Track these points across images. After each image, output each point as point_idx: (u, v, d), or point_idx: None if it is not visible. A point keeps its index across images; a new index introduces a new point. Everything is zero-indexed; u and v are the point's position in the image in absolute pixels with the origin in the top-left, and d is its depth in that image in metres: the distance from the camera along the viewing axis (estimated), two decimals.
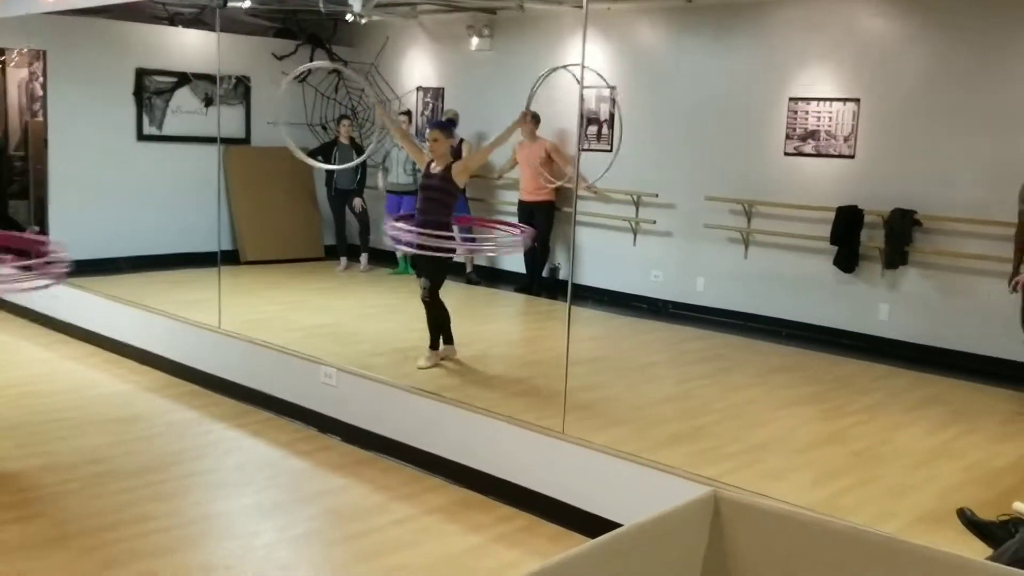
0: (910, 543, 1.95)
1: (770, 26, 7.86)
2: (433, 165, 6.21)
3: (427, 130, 6.53)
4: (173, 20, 10.11)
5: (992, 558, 2.48)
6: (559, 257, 9.15)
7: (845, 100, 7.42)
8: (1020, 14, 6.57)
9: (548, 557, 1.74)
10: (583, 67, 5.44)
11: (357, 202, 9.92)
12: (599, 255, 9.04)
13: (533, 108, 8.60)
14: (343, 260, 10.07)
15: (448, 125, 6.64)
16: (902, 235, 7.02)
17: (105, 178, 9.54)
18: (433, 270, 6.20)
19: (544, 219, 8.87)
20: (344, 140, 9.84)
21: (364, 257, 10.08)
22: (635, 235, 8.84)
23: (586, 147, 9.04)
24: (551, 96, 8.81)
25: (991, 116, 6.62)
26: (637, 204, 8.75)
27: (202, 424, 5.68)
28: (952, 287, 6.95)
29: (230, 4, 9.35)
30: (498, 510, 4.51)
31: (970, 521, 3.31)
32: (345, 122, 10.03)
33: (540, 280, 9.05)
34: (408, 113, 10.06)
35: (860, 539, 1.92)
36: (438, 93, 10.38)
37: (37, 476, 4.75)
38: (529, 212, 8.90)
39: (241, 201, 10.31)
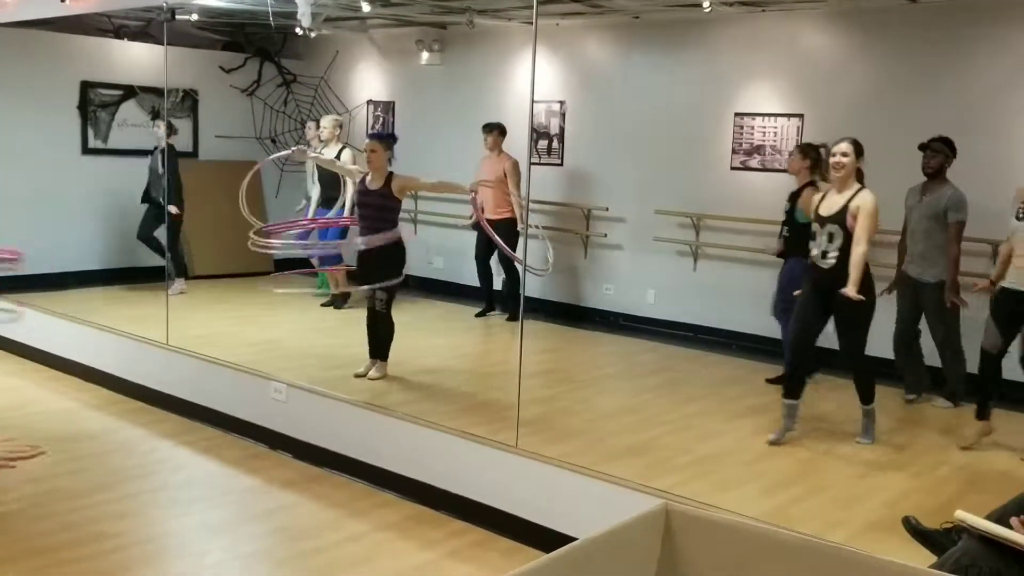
0: (858, 552, 1.98)
1: (716, 43, 7.96)
2: (369, 179, 6.17)
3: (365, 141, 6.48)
4: (119, 33, 10.00)
5: (935, 566, 2.52)
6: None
7: (789, 115, 7.54)
8: (957, 31, 6.72)
9: (501, 572, 1.75)
10: (533, 81, 5.45)
11: (172, 209, 8.63)
12: (551, 268, 9.06)
13: (497, 119, 8.49)
14: (178, 282, 8.98)
15: (387, 137, 6.58)
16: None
17: (49, 192, 9.40)
18: (385, 279, 6.16)
19: (506, 237, 8.42)
20: (161, 146, 8.91)
21: (179, 281, 9.07)
22: (586, 248, 8.89)
23: (536, 161, 9.06)
24: (501, 112, 8.85)
25: (931, 129, 6.74)
26: (588, 218, 8.80)
27: (150, 442, 5.60)
28: (890, 299, 7.05)
29: (178, 17, 9.27)
30: (451, 525, 4.50)
31: (915, 529, 3.37)
32: (159, 121, 9.10)
33: (514, 296, 8.40)
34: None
35: (809, 549, 1.94)
36: (388, 107, 10.37)
37: None
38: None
39: (189, 215, 10.18)
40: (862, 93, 7.20)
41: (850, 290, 5.03)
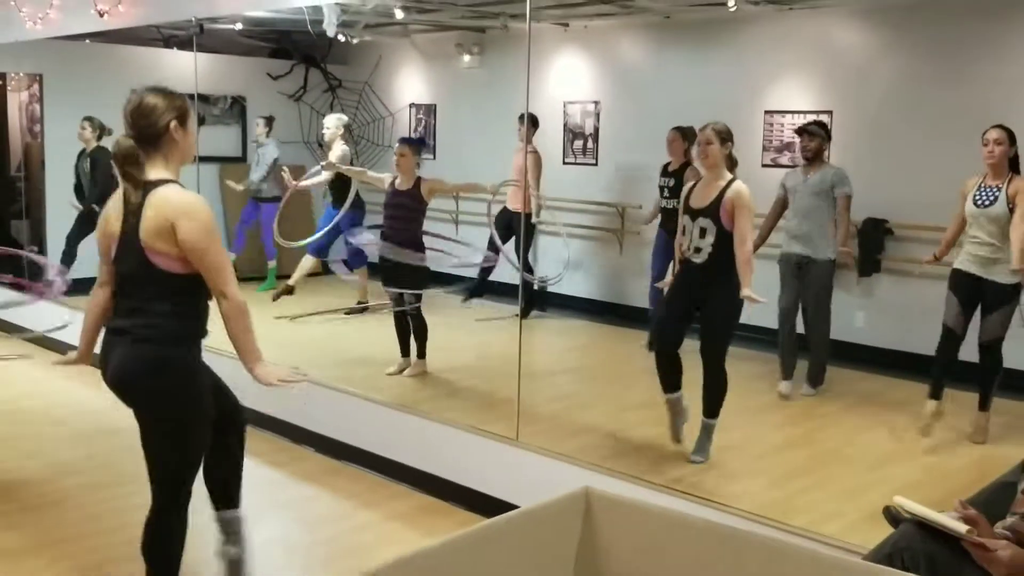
0: (776, 538, 2.08)
1: (745, 41, 7.99)
2: (399, 182, 6.36)
3: (395, 145, 6.67)
4: (168, 42, 10.32)
5: (877, 548, 2.60)
6: (544, 268, 9.20)
7: (818, 112, 7.53)
8: (985, 25, 6.68)
9: None
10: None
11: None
12: (586, 266, 9.16)
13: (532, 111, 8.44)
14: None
15: (416, 142, 6.76)
16: (875, 243, 7.12)
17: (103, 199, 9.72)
18: (415, 282, 6.34)
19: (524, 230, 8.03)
20: (89, 149, 8.45)
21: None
22: (621, 246, 8.97)
23: (571, 160, 9.18)
24: (536, 112, 8.95)
25: (959, 125, 6.69)
26: (622, 215, 8.88)
27: None
28: (924, 293, 7.03)
29: (224, 27, 9.54)
30: (458, 515, 4.65)
31: (894, 519, 3.40)
32: (85, 123, 8.42)
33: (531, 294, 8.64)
34: (270, 120, 9.59)
35: (717, 532, 2.05)
36: (430, 109, 10.55)
37: (16, 489, 4.92)
38: (507, 221, 8.35)
39: (237, 218, 10.48)
40: (891, 88, 7.18)
41: (748, 293, 4.69)
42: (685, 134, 7.10)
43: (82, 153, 8.66)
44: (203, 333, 3.30)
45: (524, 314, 8.62)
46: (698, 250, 4.80)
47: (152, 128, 3.10)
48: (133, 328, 3.13)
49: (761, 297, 4.75)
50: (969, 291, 5.34)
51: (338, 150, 8.25)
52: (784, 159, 7.76)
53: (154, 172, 3.11)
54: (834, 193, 6.19)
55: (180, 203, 3.04)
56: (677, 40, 8.47)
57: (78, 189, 8.75)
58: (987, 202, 5.26)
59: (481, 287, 8.82)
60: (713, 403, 4.93)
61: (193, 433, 3.28)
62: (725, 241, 4.74)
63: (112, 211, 3.18)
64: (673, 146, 7.25)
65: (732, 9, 7.34)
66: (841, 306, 7.47)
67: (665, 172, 7.32)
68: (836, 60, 7.51)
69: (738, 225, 4.72)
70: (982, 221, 5.28)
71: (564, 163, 9.23)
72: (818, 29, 7.60)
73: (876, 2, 7.10)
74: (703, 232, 4.77)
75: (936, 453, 5.25)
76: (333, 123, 8.41)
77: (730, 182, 4.79)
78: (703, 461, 4.91)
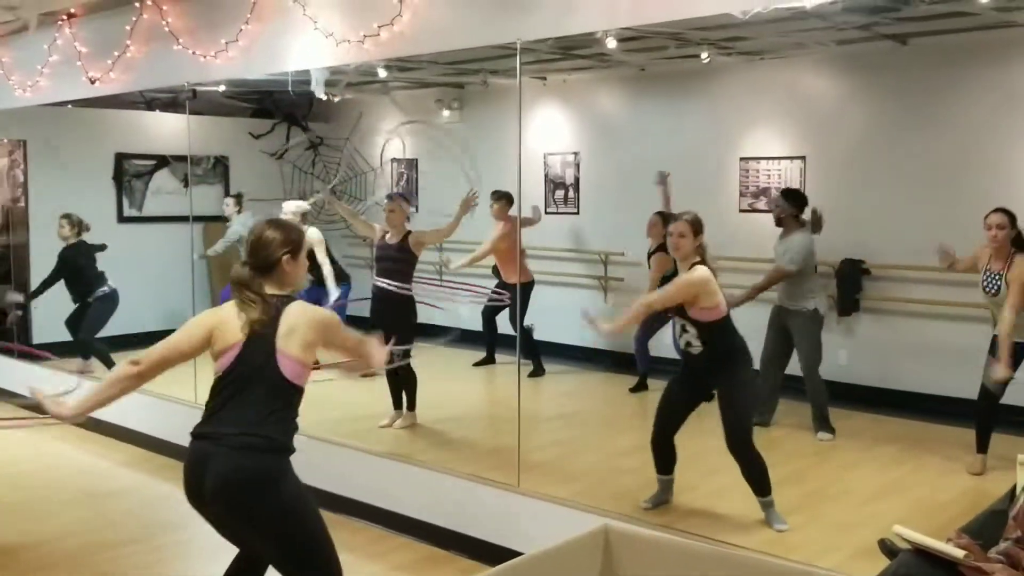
0: (790, 565, 2.18)
1: (719, 91, 8.22)
2: (389, 236, 6.51)
3: (384, 201, 6.83)
4: (151, 105, 10.45)
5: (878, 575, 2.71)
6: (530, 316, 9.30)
7: (792, 158, 7.75)
8: (950, 71, 6.92)
9: None
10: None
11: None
12: (571, 313, 9.24)
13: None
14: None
15: (405, 197, 6.94)
16: (853, 283, 7.30)
17: None
18: (405, 335, 6.42)
19: (524, 298, 8.09)
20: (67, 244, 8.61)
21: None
22: (605, 292, 9.11)
23: (553, 210, 9.34)
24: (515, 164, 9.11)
25: (928, 167, 6.96)
26: (605, 263, 9.03)
27: (179, 496, 5.82)
28: (902, 330, 7.22)
29: (207, 88, 9.68)
30: (460, 563, 4.71)
31: (890, 551, 3.51)
32: (63, 221, 8.62)
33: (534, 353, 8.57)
34: (238, 197, 9.65)
35: (737, 563, 2.15)
36: (412, 164, 10.71)
37: (20, 552, 4.95)
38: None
39: (221, 277, 10.55)
40: (860, 133, 7.42)
41: (606, 327, 5.02)
42: (666, 219, 6.83)
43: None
44: (293, 448, 3.37)
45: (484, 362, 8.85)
46: (689, 343, 4.87)
47: (268, 260, 3.31)
48: (238, 434, 3.19)
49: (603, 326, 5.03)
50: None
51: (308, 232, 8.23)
52: (761, 204, 7.95)
53: (270, 291, 3.31)
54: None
55: (319, 313, 3.37)
56: (653, 92, 8.69)
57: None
58: (992, 290, 5.51)
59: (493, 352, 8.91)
60: (758, 484, 4.87)
61: (309, 521, 3.33)
62: (708, 331, 4.77)
63: (228, 321, 3.28)
64: (653, 231, 7.43)
65: (705, 61, 7.57)
66: (823, 345, 7.63)
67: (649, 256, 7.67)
68: (808, 107, 7.74)
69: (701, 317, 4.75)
70: (990, 304, 5.58)
71: (546, 212, 9.38)
72: (789, 78, 7.84)
73: (844, 50, 7.32)
74: (684, 328, 4.86)
75: (924, 488, 5.37)
76: (291, 210, 8.03)
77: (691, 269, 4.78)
78: (785, 528, 4.77)
